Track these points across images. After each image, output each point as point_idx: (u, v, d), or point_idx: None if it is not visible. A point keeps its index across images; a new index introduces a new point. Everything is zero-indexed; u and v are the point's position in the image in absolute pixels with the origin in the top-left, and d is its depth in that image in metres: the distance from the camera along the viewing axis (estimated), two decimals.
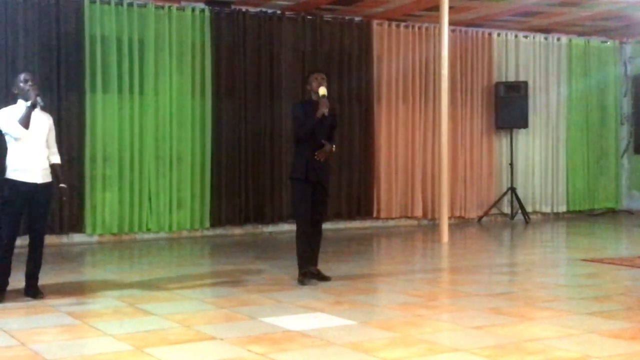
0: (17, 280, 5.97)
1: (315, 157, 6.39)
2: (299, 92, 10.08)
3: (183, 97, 9.94)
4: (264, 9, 10.40)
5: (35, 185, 5.86)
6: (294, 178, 6.57)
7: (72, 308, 5.58)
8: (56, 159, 6.09)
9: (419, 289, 6.41)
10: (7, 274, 5.81)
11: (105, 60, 9.45)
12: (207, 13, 10.04)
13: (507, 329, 4.89)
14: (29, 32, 9.02)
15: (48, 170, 5.99)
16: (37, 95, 5.79)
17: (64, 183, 6.09)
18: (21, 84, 5.85)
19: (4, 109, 5.89)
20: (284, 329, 4.88)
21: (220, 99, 10.14)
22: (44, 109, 5.98)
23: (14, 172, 5.83)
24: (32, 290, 5.91)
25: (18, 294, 5.91)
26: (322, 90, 6.36)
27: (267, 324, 5.02)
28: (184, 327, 4.97)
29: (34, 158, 5.86)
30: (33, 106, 5.77)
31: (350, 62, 10.99)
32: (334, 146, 6.55)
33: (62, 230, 9.23)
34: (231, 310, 5.47)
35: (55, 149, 6.10)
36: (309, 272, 6.56)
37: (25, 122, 5.74)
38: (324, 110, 6.31)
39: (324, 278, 6.60)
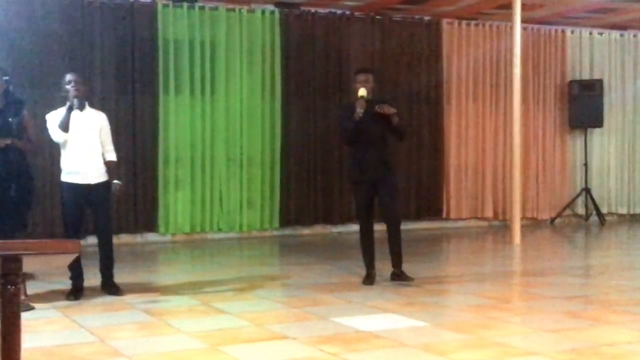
0: (94, 278, 6.14)
1: (377, 109, 6.27)
2: None
3: (253, 98, 10.04)
4: (333, 10, 10.42)
5: (89, 186, 5.94)
6: (349, 181, 6.66)
7: (148, 305, 5.70)
8: (111, 157, 6.12)
9: (492, 291, 6.32)
10: (80, 274, 5.96)
11: (177, 62, 9.63)
12: (276, 15, 10.12)
13: (583, 332, 4.78)
14: (104, 36, 9.25)
15: (102, 170, 6.03)
16: (76, 96, 5.83)
17: (118, 179, 6.14)
18: (65, 86, 5.93)
19: (52, 113, 5.98)
20: (356, 329, 4.88)
21: (290, 99, 10.21)
22: (93, 106, 6.03)
23: (67, 175, 5.95)
24: (109, 287, 6.06)
25: (94, 292, 6.07)
26: (362, 92, 6.33)
27: (339, 324, 5.03)
28: (256, 325, 5.02)
29: (84, 159, 5.92)
30: (70, 108, 5.83)
31: (419, 61, 10.91)
32: (394, 113, 6.35)
33: (136, 229, 9.43)
34: (302, 310, 5.50)
35: (110, 147, 6.12)
36: (391, 274, 6.52)
37: (64, 125, 5.80)
38: (358, 111, 6.27)
39: (406, 278, 6.43)
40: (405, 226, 10.59)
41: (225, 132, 9.91)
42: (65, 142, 5.90)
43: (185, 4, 9.62)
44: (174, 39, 9.61)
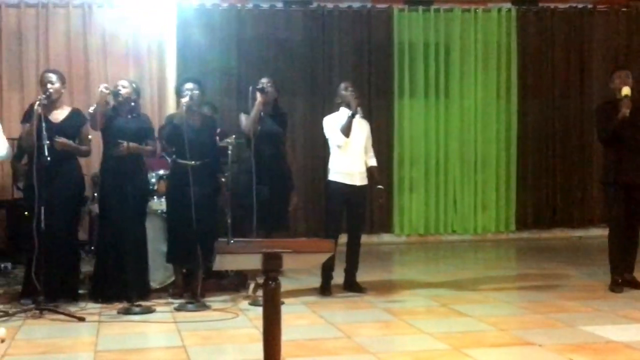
0: (336, 275, 6.37)
1: None
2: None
3: (488, 99, 9.90)
4: (573, 4, 10.00)
5: (353, 187, 6.23)
6: (604, 182, 6.31)
7: (388, 305, 5.82)
8: (373, 162, 6.43)
9: None
10: (332, 269, 6.21)
11: (412, 66, 9.73)
12: (513, 13, 9.90)
13: None
14: (343, 41, 9.58)
15: (365, 174, 6.34)
16: (358, 105, 6.14)
17: (381, 185, 6.39)
18: (343, 92, 6.28)
19: (329, 117, 6.34)
20: (607, 339, 4.64)
21: (527, 99, 9.94)
22: (362, 116, 6.32)
23: (335, 174, 6.25)
24: (352, 286, 6.27)
25: (338, 289, 6.30)
26: (625, 90, 5.96)
27: (588, 332, 4.81)
28: (499, 330, 4.94)
29: (353, 162, 6.24)
30: (353, 115, 6.12)
31: None
32: None
33: (372, 230, 9.65)
34: (547, 317, 5.33)
35: (372, 153, 6.44)
36: (624, 280, 6.18)
37: (347, 131, 6.14)
38: (625, 111, 5.90)
39: (637, 286, 6.16)
40: None
41: (459, 133, 9.86)
42: (342, 145, 6.20)
43: (420, 8, 9.70)
44: (409, 42, 9.72)
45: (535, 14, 9.95)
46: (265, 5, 9.37)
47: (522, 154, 9.94)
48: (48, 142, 5.47)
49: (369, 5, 9.66)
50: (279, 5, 9.42)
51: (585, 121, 9.89)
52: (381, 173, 9.48)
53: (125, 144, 5.79)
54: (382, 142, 9.64)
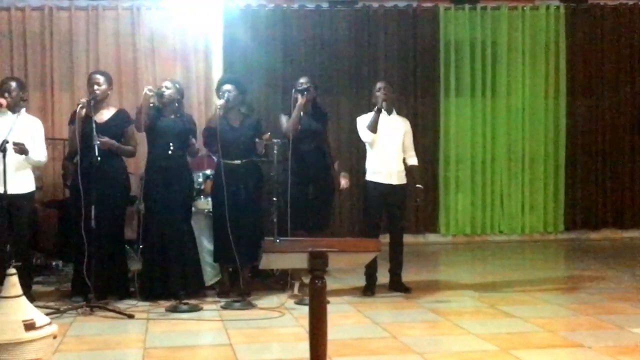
0: (381, 275, 6.36)
1: None
2: None
3: (535, 97, 9.77)
4: (623, 1, 9.81)
5: (391, 186, 6.19)
6: None
7: (434, 305, 5.79)
8: (412, 161, 6.38)
9: None
10: (375, 269, 6.20)
11: (458, 64, 9.65)
12: (561, 10, 9.75)
13: None
14: (388, 41, 9.54)
15: (403, 173, 6.29)
16: (384, 100, 6.13)
17: (420, 184, 6.34)
18: (376, 92, 6.28)
19: (362, 116, 6.34)
20: None
21: (575, 98, 9.78)
22: (400, 113, 6.30)
23: (372, 174, 6.25)
24: (398, 286, 6.25)
25: (382, 289, 6.29)
26: None
27: (637, 335, 4.74)
28: (547, 331, 4.88)
29: (389, 161, 6.21)
30: (379, 111, 6.11)
31: None
32: None
33: (418, 230, 9.60)
34: (596, 318, 5.25)
35: (411, 152, 6.38)
36: None
37: (372, 127, 6.13)
38: None
39: None
40: None
41: (506, 132, 9.75)
42: (372, 143, 6.21)
43: (466, 6, 9.62)
44: (455, 40, 9.65)
45: (585, 11, 9.78)
46: (310, 6, 9.39)
47: (570, 153, 9.79)
48: (99, 142, 5.58)
49: (414, 4, 9.60)
50: (325, 5, 9.42)
51: (636, 120, 9.71)
52: (426, 172, 9.51)
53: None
54: (427, 141, 9.61)
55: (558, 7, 9.76)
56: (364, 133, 6.22)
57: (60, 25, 8.52)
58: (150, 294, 5.96)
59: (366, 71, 9.43)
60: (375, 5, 9.51)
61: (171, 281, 5.86)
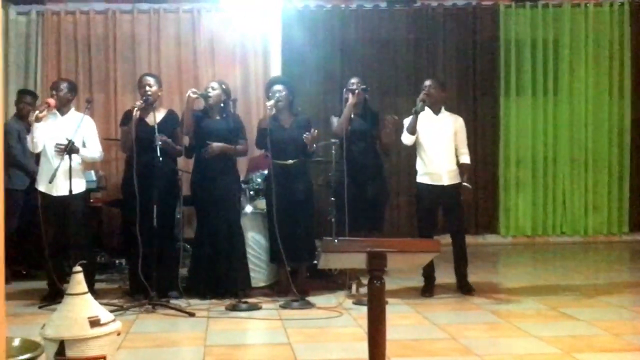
0: (442, 276, 6.31)
1: None
2: None
3: (599, 97, 9.57)
4: None
5: (442, 187, 6.10)
6: None
7: (495, 307, 5.71)
8: (464, 159, 6.22)
9: None
10: (433, 270, 6.15)
11: (519, 63, 9.51)
12: (626, 7, 9.53)
13: None
14: (447, 40, 9.46)
15: (455, 172, 6.16)
16: (422, 100, 6.02)
17: (468, 183, 6.21)
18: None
19: (407, 119, 6.21)
20: None
21: None
22: (458, 113, 6.22)
23: (421, 176, 6.17)
24: (464, 286, 6.19)
25: (442, 289, 6.24)
26: None
27: None
28: (611, 335, 4.78)
29: (437, 162, 6.10)
30: (416, 112, 6.02)
31: None
32: None
33: (477, 231, 9.50)
34: None
35: (463, 150, 6.23)
36: None
37: (411, 129, 6.04)
38: None
39: None
40: None
41: (568, 132, 9.57)
42: (418, 144, 6.14)
43: (527, 4, 9.47)
44: (516, 39, 9.51)
45: None
46: (368, 5, 9.37)
47: (635, 154, 9.57)
48: (160, 142, 5.68)
49: (474, 2, 9.50)
50: (383, 5, 9.40)
51: None
52: (486, 172, 9.41)
53: (211, 145, 5.92)
54: (487, 141, 9.51)
55: (622, 4, 9.54)
56: (404, 136, 6.15)
57: (123, 28, 8.69)
58: (197, 293, 6.03)
59: (425, 71, 9.35)
60: (434, 4, 9.44)
61: (218, 280, 5.94)
